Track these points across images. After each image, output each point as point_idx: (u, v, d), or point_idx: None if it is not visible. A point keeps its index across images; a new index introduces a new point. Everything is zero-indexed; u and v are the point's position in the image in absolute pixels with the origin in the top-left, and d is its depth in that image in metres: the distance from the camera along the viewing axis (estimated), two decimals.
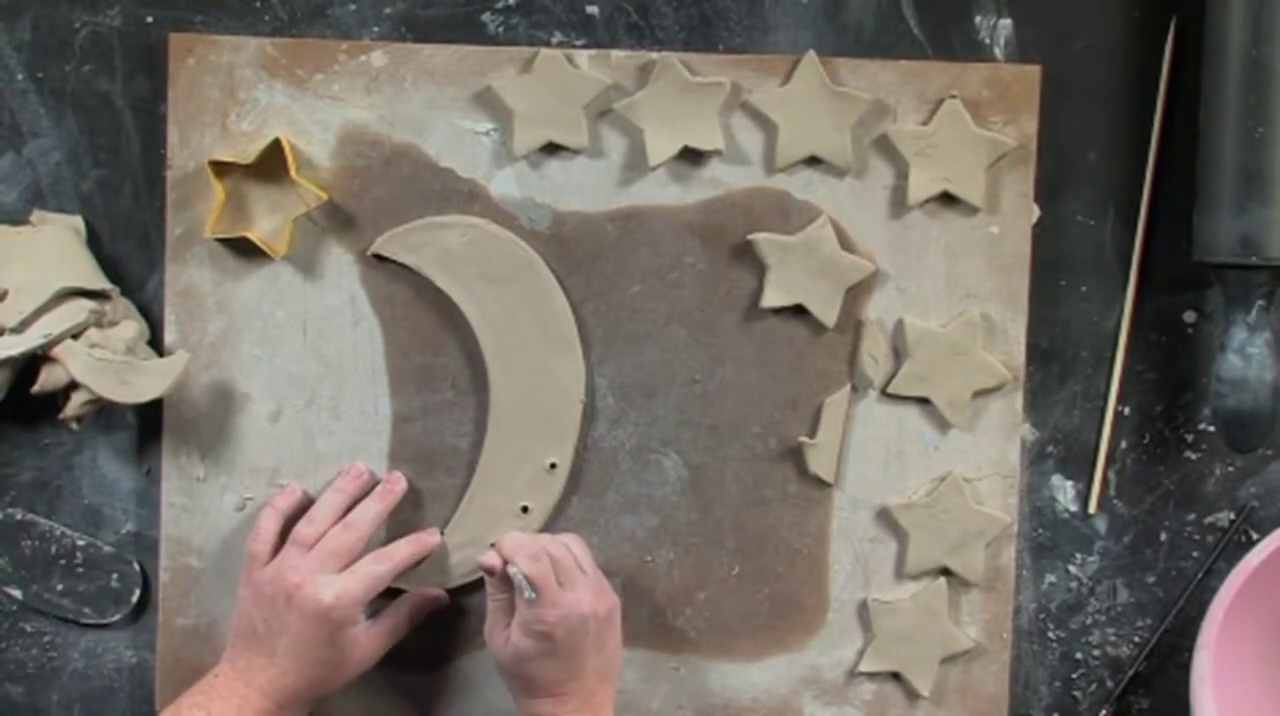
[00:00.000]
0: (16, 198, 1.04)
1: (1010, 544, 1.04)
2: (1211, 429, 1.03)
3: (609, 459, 1.05)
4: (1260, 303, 0.98)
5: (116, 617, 1.05)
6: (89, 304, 0.99)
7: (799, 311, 1.03)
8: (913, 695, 1.05)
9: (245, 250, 1.03)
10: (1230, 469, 1.05)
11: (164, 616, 1.05)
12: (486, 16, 1.03)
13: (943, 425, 1.04)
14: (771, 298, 1.03)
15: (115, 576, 1.05)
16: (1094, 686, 1.06)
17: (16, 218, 1.04)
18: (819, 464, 1.04)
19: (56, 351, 0.98)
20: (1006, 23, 1.02)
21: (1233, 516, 1.05)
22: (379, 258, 1.03)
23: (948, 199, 1.02)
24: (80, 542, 1.05)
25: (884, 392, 1.04)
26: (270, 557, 0.99)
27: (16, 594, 1.05)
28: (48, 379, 0.99)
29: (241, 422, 1.04)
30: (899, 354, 1.04)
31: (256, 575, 0.99)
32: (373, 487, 1.03)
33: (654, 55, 1.02)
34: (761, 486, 1.04)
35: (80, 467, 1.05)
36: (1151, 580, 1.05)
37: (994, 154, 1.02)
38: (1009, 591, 1.05)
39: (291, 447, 1.04)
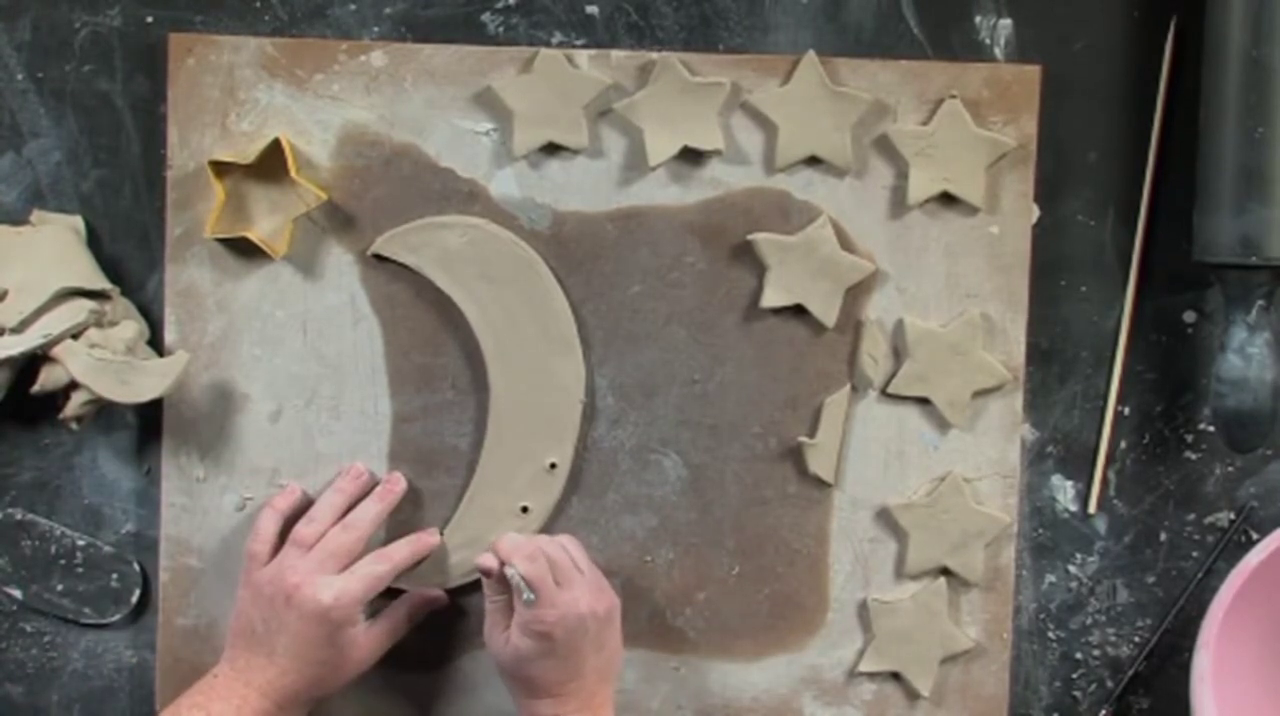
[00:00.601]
0: (16, 198, 1.04)
1: (1010, 544, 1.04)
2: (1211, 429, 1.03)
3: (609, 459, 1.05)
4: (1260, 303, 0.98)
5: (116, 617, 1.05)
6: (89, 304, 0.99)
7: (799, 311, 1.03)
8: (913, 695, 1.05)
9: (245, 250, 1.03)
10: (1230, 469, 1.05)
11: (164, 616, 1.05)
12: (486, 16, 1.03)
13: (943, 425, 1.04)
14: (771, 298, 1.03)
15: (115, 576, 1.05)
16: (1094, 686, 1.06)
17: (16, 218, 1.04)
18: (819, 464, 1.03)
19: (56, 351, 0.98)
20: (1006, 23, 1.02)
21: (1233, 516, 1.05)
22: (379, 258, 1.03)
23: (948, 199, 1.02)
24: (80, 542, 1.05)
25: (884, 392, 1.04)
26: (269, 558, 0.99)
27: (16, 594, 1.05)
28: (48, 379, 0.99)
29: (241, 422, 1.04)
30: (899, 354, 1.04)
31: (256, 575, 0.99)
32: (372, 488, 1.03)
33: (654, 55, 1.02)
34: (761, 486, 1.04)
35: (80, 467, 1.05)
36: (1151, 580, 1.05)
37: (994, 154, 1.02)
38: (1009, 591, 1.05)
39: (291, 447, 1.04)
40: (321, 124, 1.03)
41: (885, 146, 1.02)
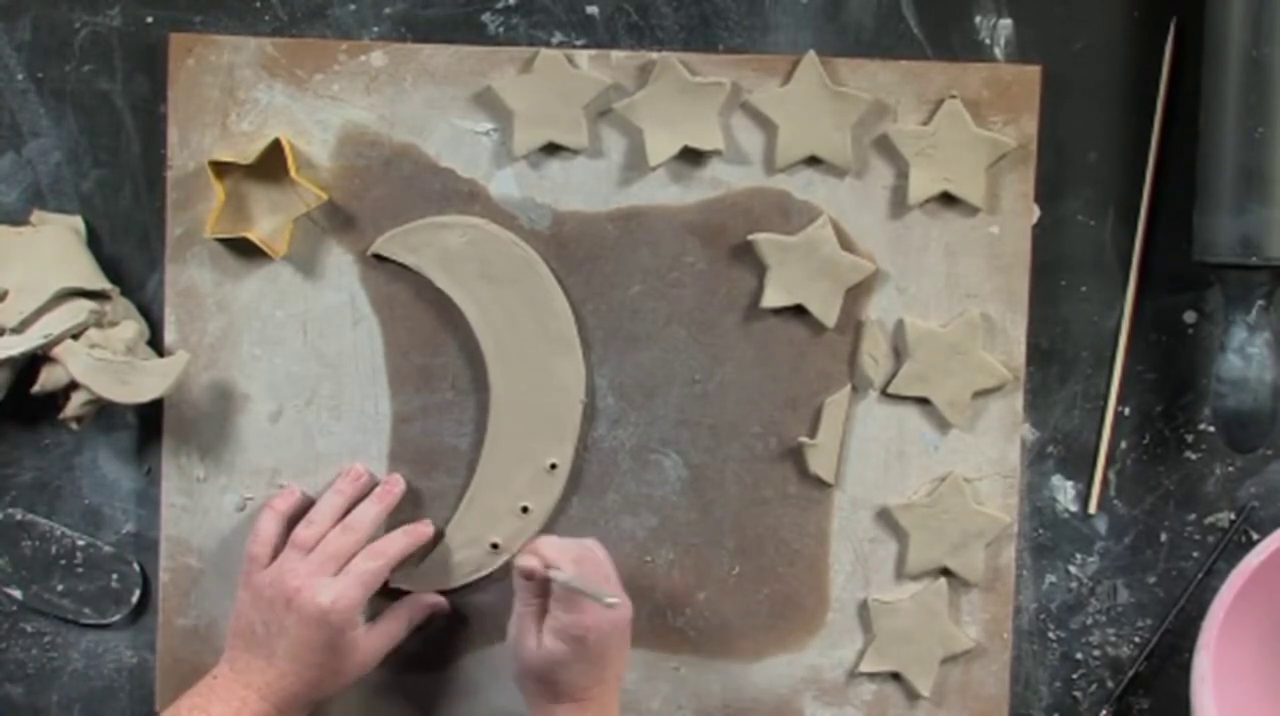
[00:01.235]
0: (16, 198, 1.04)
1: (1010, 544, 1.04)
2: (1211, 429, 1.03)
3: (609, 459, 1.05)
4: (1260, 303, 0.98)
5: (116, 617, 1.05)
6: (89, 304, 0.99)
7: (799, 311, 1.03)
8: (913, 695, 1.05)
9: (245, 250, 1.03)
10: (1230, 469, 1.05)
11: (164, 616, 1.05)
12: (486, 16, 1.03)
13: (943, 425, 1.04)
14: (771, 298, 1.03)
15: (115, 576, 1.05)
16: (1094, 686, 1.06)
17: (16, 218, 1.04)
18: (819, 464, 1.03)
19: (56, 351, 0.98)
20: (1006, 23, 1.02)
21: (1233, 516, 1.05)
22: (379, 258, 1.03)
23: (948, 199, 1.02)
24: (80, 542, 1.05)
25: (884, 392, 1.04)
26: (270, 560, 0.99)
27: (16, 594, 1.05)
28: (48, 379, 0.99)
29: (241, 422, 1.04)
30: (899, 354, 1.04)
31: (256, 577, 0.99)
32: (372, 489, 1.03)
33: (654, 55, 1.02)
34: (761, 486, 1.04)
35: (80, 467, 1.05)
36: (1151, 580, 1.05)
37: (994, 154, 1.02)
38: (1009, 591, 1.05)
39: (291, 447, 1.04)
40: (321, 124, 1.03)
41: (885, 146, 1.02)
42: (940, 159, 1.02)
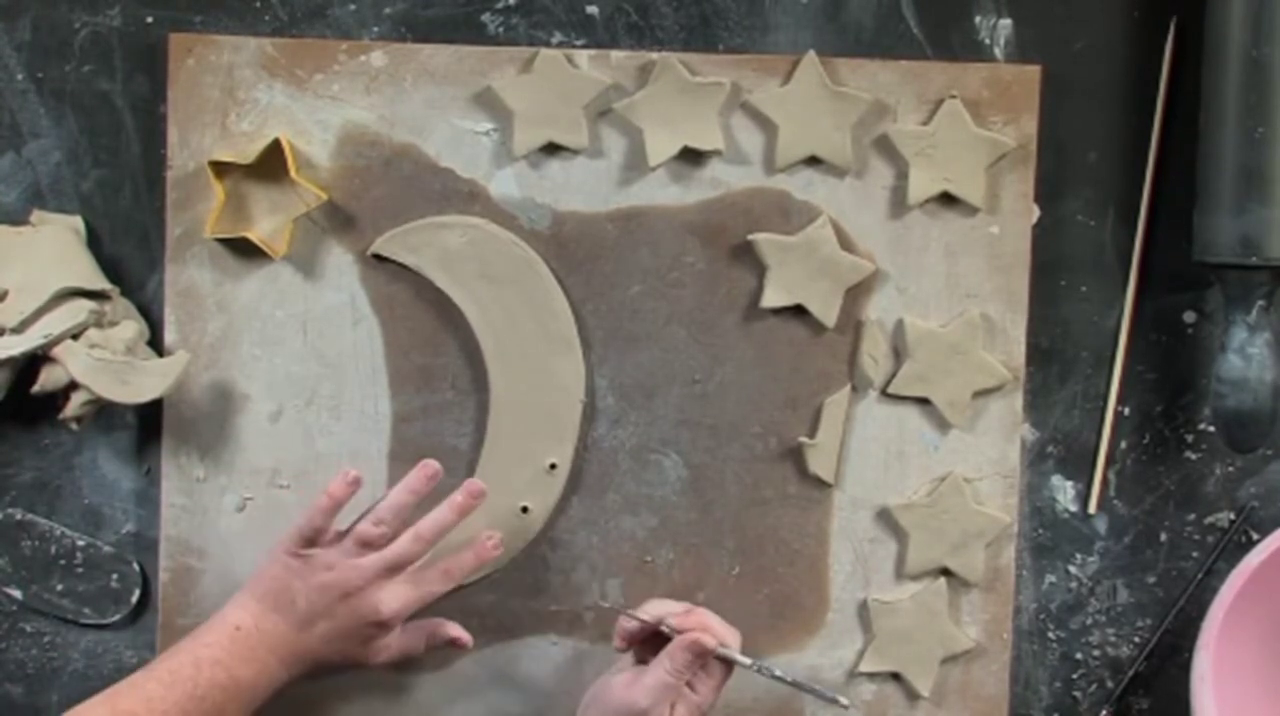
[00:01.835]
0: (16, 198, 1.04)
1: (1010, 544, 1.04)
2: (1211, 429, 1.03)
3: (609, 459, 1.05)
4: (1260, 303, 0.98)
5: (116, 617, 1.05)
6: (89, 304, 0.99)
7: (799, 311, 1.03)
8: (913, 695, 1.05)
9: (245, 250, 1.03)
10: (1230, 469, 1.05)
11: (164, 616, 1.05)
12: (486, 16, 1.03)
13: (943, 425, 1.04)
14: (771, 298, 1.03)
15: (115, 576, 1.05)
16: (1094, 686, 1.06)
17: (16, 218, 1.04)
18: (819, 464, 1.03)
19: (56, 351, 0.98)
20: (1006, 23, 1.02)
21: (1233, 516, 1.05)
22: (379, 258, 1.03)
23: (948, 199, 1.02)
24: (80, 542, 1.05)
25: (884, 392, 1.04)
26: (315, 542, 0.97)
27: (16, 594, 1.05)
28: (48, 379, 0.99)
29: (241, 422, 1.04)
30: (899, 354, 1.04)
31: (314, 558, 0.96)
32: (437, 480, 0.99)
33: (654, 55, 1.02)
34: (761, 486, 1.04)
35: (80, 467, 1.05)
36: (1151, 580, 1.05)
37: (994, 154, 1.02)
38: (1009, 591, 1.05)
39: (291, 447, 1.04)
40: (321, 124, 1.03)
41: (885, 146, 1.02)
42: (940, 159, 1.02)
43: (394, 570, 0.97)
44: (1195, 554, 1.05)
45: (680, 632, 0.95)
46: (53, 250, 1.00)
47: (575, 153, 1.03)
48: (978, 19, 1.02)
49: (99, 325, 1.00)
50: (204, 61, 1.02)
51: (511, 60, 1.02)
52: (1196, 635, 1.00)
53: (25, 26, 1.03)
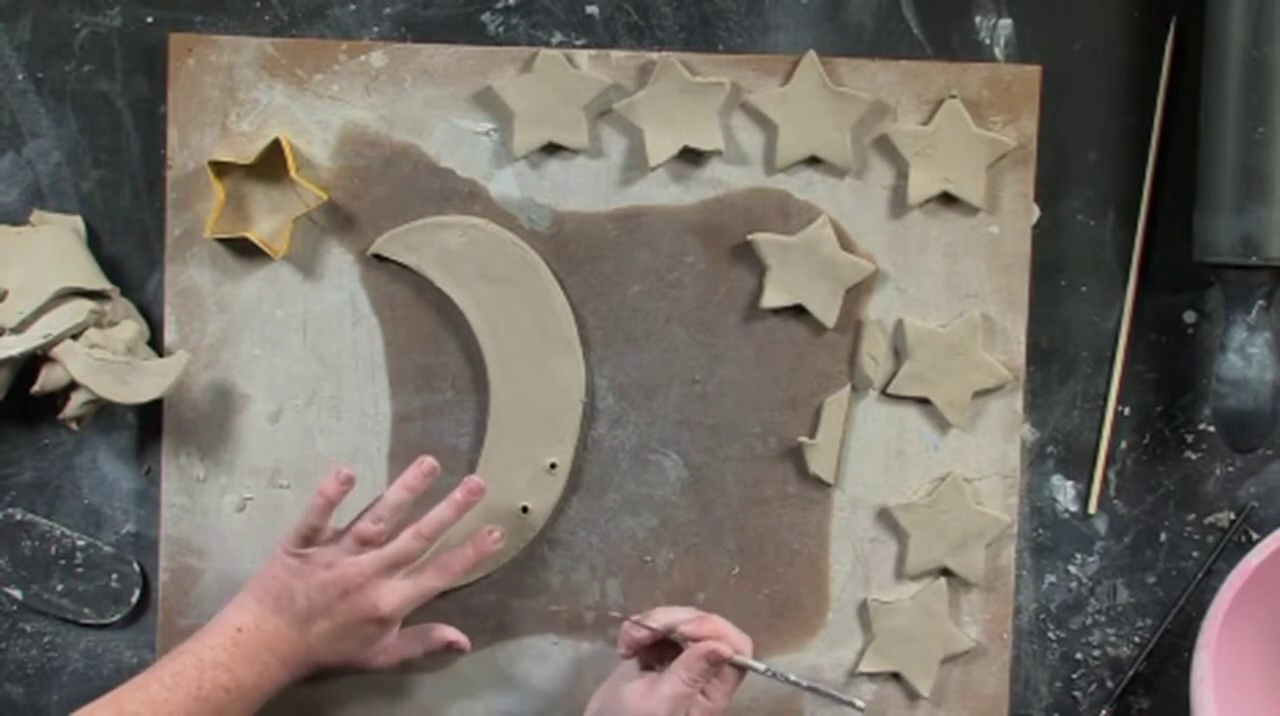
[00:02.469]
0: (16, 198, 1.04)
1: (1010, 544, 1.04)
2: (1211, 429, 1.03)
3: (609, 459, 1.05)
4: (1260, 303, 0.98)
5: (116, 617, 1.05)
6: (89, 304, 0.99)
7: (799, 311, 1.03)
8: (913, 695, 1.05)
9: (245, 250, 1.03)
10: (1230, 469, 1.05)
11: (164, 616, 1.05)
12: (486, 16, 1.03)
13: (943, 425, 1.04)
14: (771, 298, 1.03)
15: (115, 576, 1.05)
16: (1094, 686, 1.06)
17: (16, 218, 1.04)
18: (819, 464, 1.03)
19: (56, 351, 0.98)
20: (1006, 23, 1.02)
21: (1233, 516, 1.05)
22: (379, 258, 1.03)
23: (948, 199, 1.02)
24: (80, 542, 1.05)
25: (884, 392, 1.04)
26: (318, 543, 0.97)
27: (16, 594, 1.05)
28: (48, 379, 0.99)
29: (241, 422, 1.04)
30: (899, 354, 1.04)
31: (313, 556, 0.96)
32: (434, 475, 0.99)
33: (654, 55, 1.02)
34: (761, 486, 1.04)
35: (80, 467, 1.05)
36: (1151, 580, 1.05)
37: (994, 154, 1.02)
38: (1009, 591, 1.05)
39: (291, 447, 1.04)
40: (321, 124, 1.03)
41: (885, 146, 1.02)
42: (940, 159, 1.02)
43: (393, 567, 0.97)
44: (1195, 554, 1.05)
45: (691, 640, 0.95)
46: (53, 250, 1.00)
47: (575, 153, 1.03)
48: (978, 19, 1.02)
49: (99, 325, 1.00)
50: (204, 61, 1.02)
51: (511, 60, 1.02)
52: (1196, 635, 1.00)
53: (25, 26, 1.03)
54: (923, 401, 1.04)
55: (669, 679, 0.94)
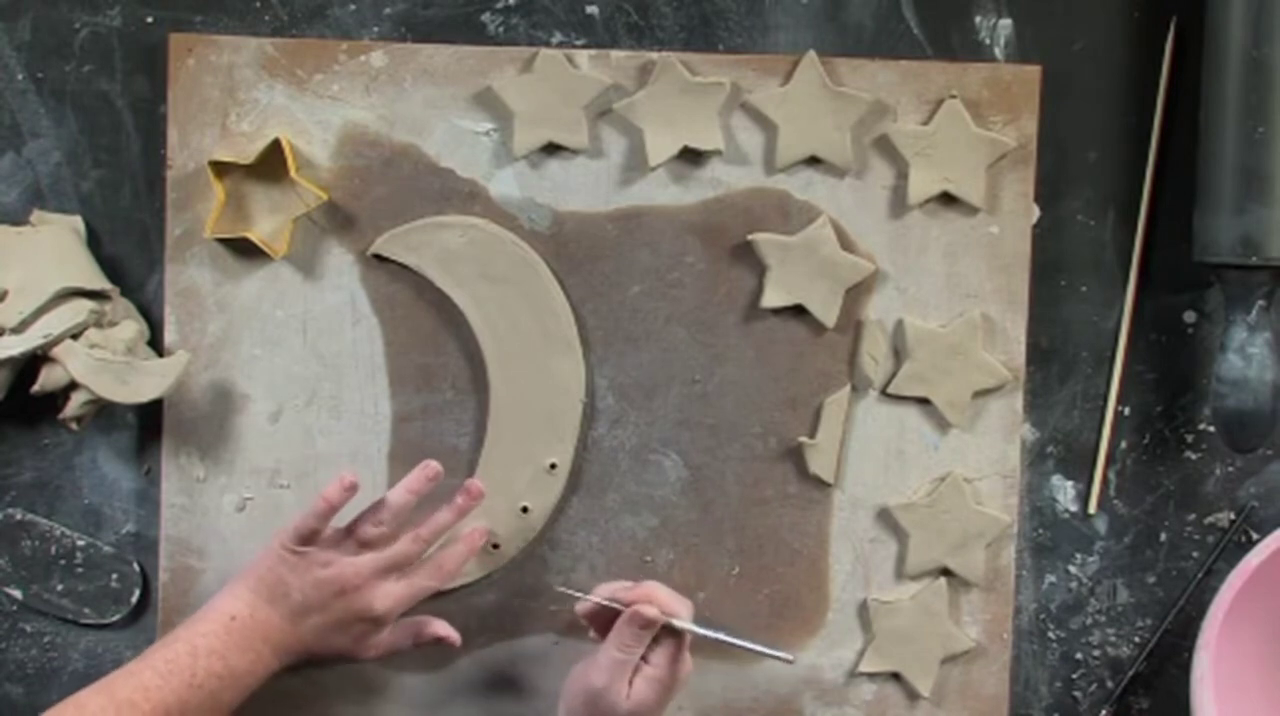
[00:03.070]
0: (16, 198, 1.04)
1: (1010, 544, 1.04)
2: (1211, 429, 1.03)
3: (609, 459, 1.05)
4: (1260, 303, 0.98)
5: (116, 617, 1.05)
6: (89, 304, 0.99)
7: (799, 311, 1.03)
8: (913, 695, 1.05)
9: (245, 250, 1.03)
10: (1230, 469, 1.05)
11: (164, 616, 1.05)
12: (486, 16, 1.03)
13: (943, 425, 1.04)
14: (771, 298, 1.03)
15: (115, 576, 1.05)
16: (1094, 686, 1.06)
17: (16, 218, 1.04)
18: (819, 464, 1.03)
19: (56, 351, 0.98)
20: (1006, 23, 1.02)
21: (1233, 516, 1.05)
22: (379, 258, 1.03)
23: (948, 199, 1.02)
24: (80, 542, 1.05)
25: (884, 392, 1.04)
26: (316, 542, 0.97)
27: (16, 594, 1.05)
28: (48, 379, 0.99)
29: (241, 422, 1.04)
30: (899, 354, 1.04)
31: (311, 554, 0.96)
32: (438, 478, 0.99)
33: (654, 55, 1.02)
34: (761, 486, 1.04)
35: (80, 467, 1.05)
36: (1151, 580, 1.05)
37: (994, 154, 1.02)
38: (1009, 591, 1.05)
39: (291, 447, 1.04)
40: (321, 124, 1.03)
41: (885, 146, 1.02)
42: (940, 159, 1.02)
43: (391, 570, 0.98)
44: (1195, 554, 1.05)
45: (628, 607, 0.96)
46: (53, 250, 1.00)
47: (575, 153, 1.03)
48: (978, 19, 1.02)
49: (99, 325, 1.00)
50: (204, 61, 1.02)
51: (511, 60, 1.02)
52: (1196, 635, 1.00)
53: (25, 26, 1.03)
54: (923, 401, 1.04)
55: (606, 647, 0.95)
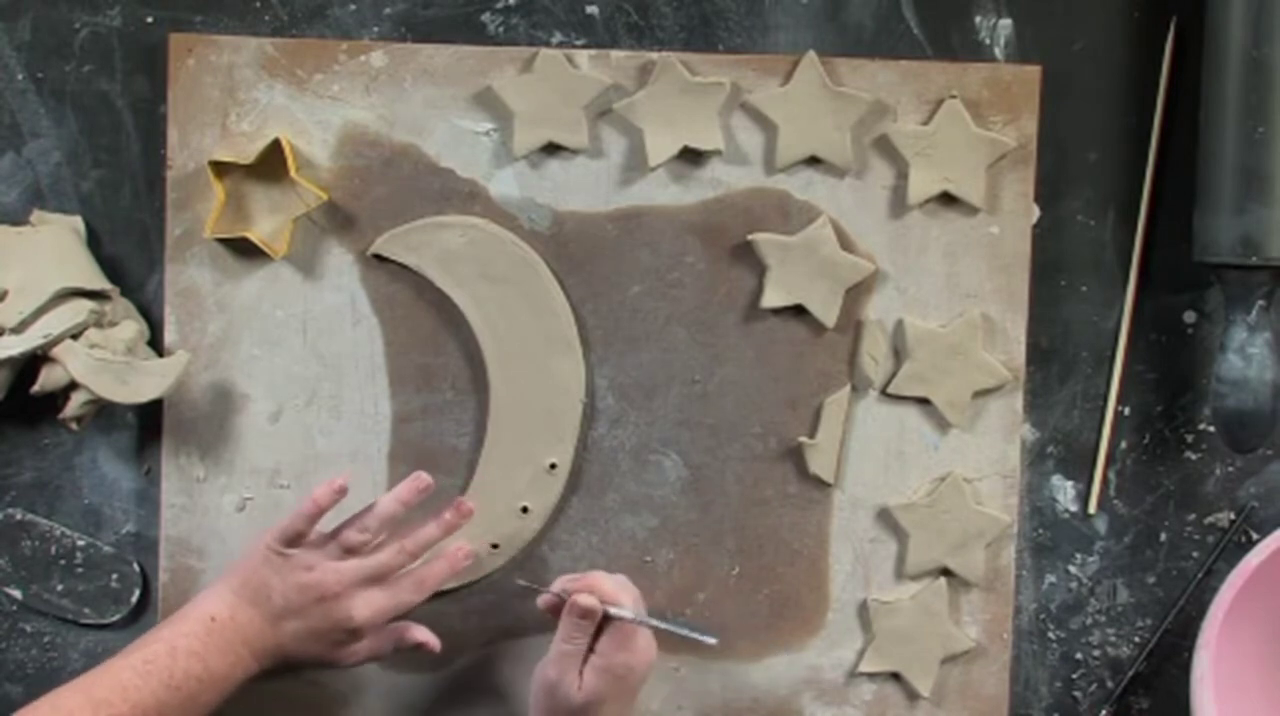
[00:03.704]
0: (16, 198, 1.04)
1: (1010, 544, 1.04)
2: (1211, 429, 1.03)
3: (609, 459, 1.05)
4: (1260, 303, 0.98)
5: (116, 617, 1.05)
6: (89, 304, 0.99)
7: (799, 311, 1.03)
8: (913, 695, 1.05)
9: (245, 250, 1.03)
10: (1230, 469, 1.05)
11: (164, 616, 1.05)
12: (486, 16, 1.03)
13: (943, 425, 1.04)
14: (771, 298, 1.03)
15: (115, 576, 1.05)
16: (1094, 686, 1.06)
17: (16, 218, 1.04)
18: (819, 464, 1.03)
19: (56, 351, 0.98)
20: (1006, 23, 1.02)
21: (1233, 516, 1.05)
22: (379, 258, 1.03)
23: (948, 199, 1.02)
24: (80, 542, 1.05)
25: (884, 392, 1.04)
26: (301, 544, 0.97)
27: (16, 594, 1.05)
28: (48, 379, 0.99)
29: (241, 422, 1.04)
30: (899, 354, 1.04)
31: (294, 556, 0.96)
32: (428, 494, 1.00)
33: (654, 55, 1.02)
34: (761, 486, 1.04)
35: (80, 467, 1.05)
36: (1151, 580, 1.05)
37: (994, 154, 1.02)
38: (1009, 591, 1.05)
39: (291, 447, 1.04)
40: (321, 124, 1.03)
41: (885, 146, 1.02)
42: (940, 159, 1.02)
43: (373, 580, 0.98)
44: (1195, 554, 1.05)
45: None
46: (53, 250, 1.00)
47: (575, 153, 1.03)
48: (978, 19, 1.02)
49: (99, 325, 1.00)
50: (204, 61, 1.02)
51: (511, 60, 1.02)
52: (1196, 635, 1.00)
53: (25, 26, 1.03)
54: (923, 401, 1.04)
55: (555, 640, 0.96)
